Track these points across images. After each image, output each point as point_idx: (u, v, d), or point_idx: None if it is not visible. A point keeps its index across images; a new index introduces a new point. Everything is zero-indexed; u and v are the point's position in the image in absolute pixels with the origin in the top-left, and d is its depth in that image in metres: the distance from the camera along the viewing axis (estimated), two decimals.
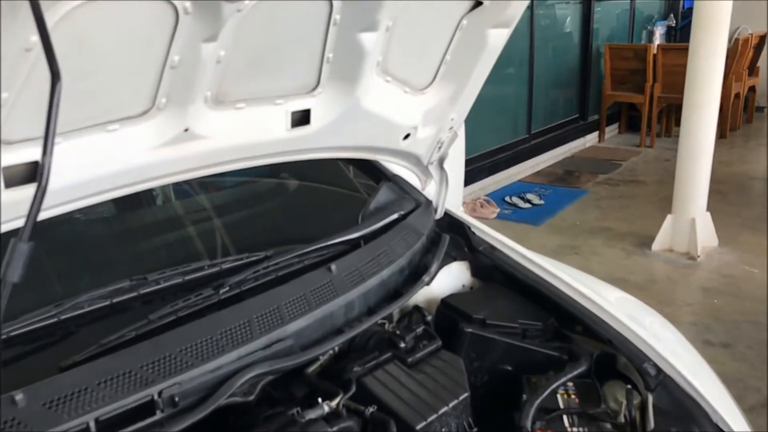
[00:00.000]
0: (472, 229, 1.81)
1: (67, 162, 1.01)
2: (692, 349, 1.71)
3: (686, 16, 8.58)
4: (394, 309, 1.47)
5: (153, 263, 1.54)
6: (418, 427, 1.16)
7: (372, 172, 1.87)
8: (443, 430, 1.20)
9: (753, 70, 7.88)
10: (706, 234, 4.36)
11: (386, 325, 1.46)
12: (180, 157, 1.18)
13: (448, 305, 1.56)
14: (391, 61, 1.41)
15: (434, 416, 1.18)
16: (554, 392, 1.34)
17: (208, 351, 1.15)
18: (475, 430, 1.25)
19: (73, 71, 0.93)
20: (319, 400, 1.17)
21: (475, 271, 1.76)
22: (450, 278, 1.71)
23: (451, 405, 1.22)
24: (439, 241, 1.71)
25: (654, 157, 6.93)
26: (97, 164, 1.06)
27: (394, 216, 1.70)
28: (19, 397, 0.95)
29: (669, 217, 4.42)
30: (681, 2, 8.87)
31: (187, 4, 0.96)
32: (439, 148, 1.76)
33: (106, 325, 1.20)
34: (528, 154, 6.54)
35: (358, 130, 1.52)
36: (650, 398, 1.34)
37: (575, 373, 1.38)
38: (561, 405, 1.31)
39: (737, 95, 7.49)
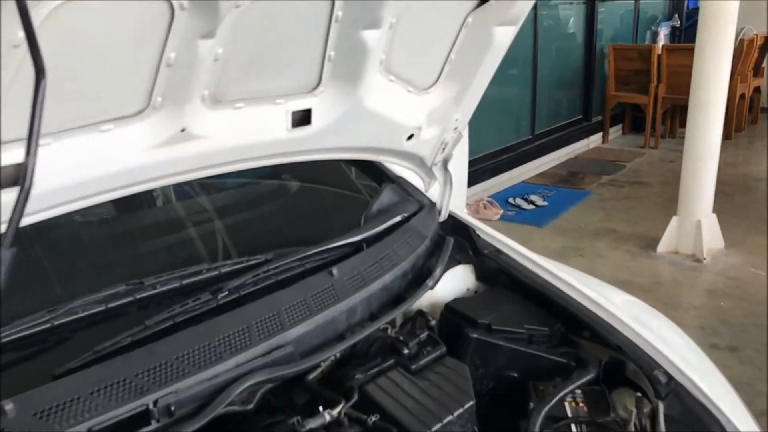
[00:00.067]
0: (477, 232, 1.78)
1: (58, 163, 0.98)
2: (701, 353, 1.69)
3: (691, 17, 8.56)
4: (398, 314, 1.44)
5: (150, 266, 1.52)
6: None
7: (374, 173, 1.84)
8: None
9: (758, 70, 7.85)
10: (711, 236, 4.33)
11: (389, 331, 1.43)
12: (177, 158, 1.14)
13: (452, 310, 1.53)
14: (394, 59, 1.38)
15: (439, 425, 1.15)
16: (562, 400, 1.31)
17: (206, 358, 1.12)
18: None
19: (64, 69, 0.90)
20: (320, 408, 1.14)
21: (480, 275, 1.73)
22: (454, 282, 1.68)
23: (456, 414, 1.19)
24: (443, 244, 1.68)
25: (658, 159, 6.91)
26: (91, 165, 1.03)
27: (397, 218, 1.67)
28: (9, 407, 0.93)
29: (674, 218, 4.39)
30: (685, 2, 8.84)
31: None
32: (443, 149, 1.73)
33: (101, 331, 1.17)
34: (531, 155, 6.52)
35: (360, 131, 1.49)
36: (661, 406, 1.32)
37: (583, 380, 1.35)
38: (569, 413, 1.28)
39: (742, 96, 7.46)
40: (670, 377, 1.33)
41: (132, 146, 1.07)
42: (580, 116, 7.55)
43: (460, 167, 1.96)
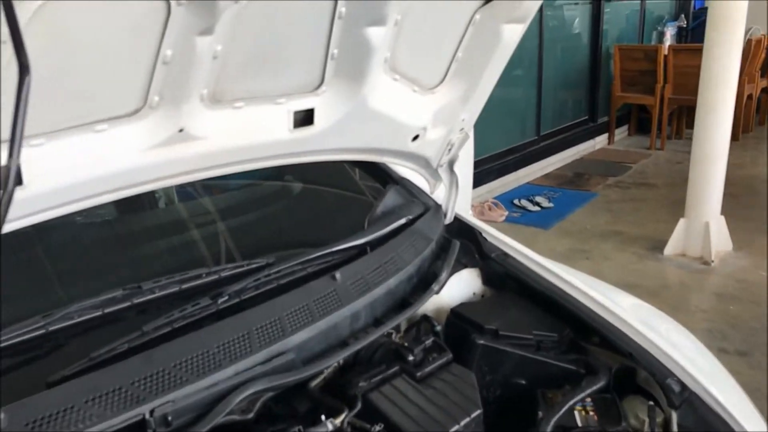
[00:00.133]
0: (484, 235, 1.76)
1: (52, 164, 0.95)
2: (713, 357, 1.66)
3: (697, 17, 8.52)
4: (402, 320, 1.41)
5: (149, 269, 1.49)
6: None
7: (379, 174, 1.81)
8: None
9: (765, 71, 7.78)
10: (720, 238, 4.29)
11: (393, 337, 1.41)
12: (174, 159, 1.11)
13: (458, 315, 1.50)
14: (399, 58, 1.34)
15: None
16: (571, 408, 1.28)
17: (205, 366, 1.10)
18: None
19: (56, 67, 0.87)
20: (323, 417, 1.11)
21: (487, 279, 1.70)
22: (460, 286, 1.65)
23: (462, 423, 1.16)
24: (449, 247, 1.65)
25: (665, 160, 6.86)
26: (85, 167, 1.00)
27: (402, 221, 1.64)
28: (1, 416, 0.90)
29: (682, 220, 4.36)
30: (692, 3, 8.78)
31: None
32: (449, 149, 1.70)
33: (97, 337, 1.15)
34: (537, 156, 6.48)
35: (364, 131, 1.46)
36: (674, 416, 1.28)
37: (594, 388, 1.32)
38: (579, 422, 1.25)
39: (750, 97, 7.40)
40: (683, 386, 1.29)
41: (128, 147, 1.03)
42: (586, 117, 7.52)
43: (465, 168, 1.93)
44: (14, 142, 0.59)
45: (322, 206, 1.98)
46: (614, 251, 4.55)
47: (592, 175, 6.41)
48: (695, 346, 1.68)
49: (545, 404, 1.30)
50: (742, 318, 3.58)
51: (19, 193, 0.91)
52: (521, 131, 6.43)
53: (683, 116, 7.44)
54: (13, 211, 0.92)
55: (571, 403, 1.27)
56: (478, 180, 5.25)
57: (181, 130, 1.09)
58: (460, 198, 1.82)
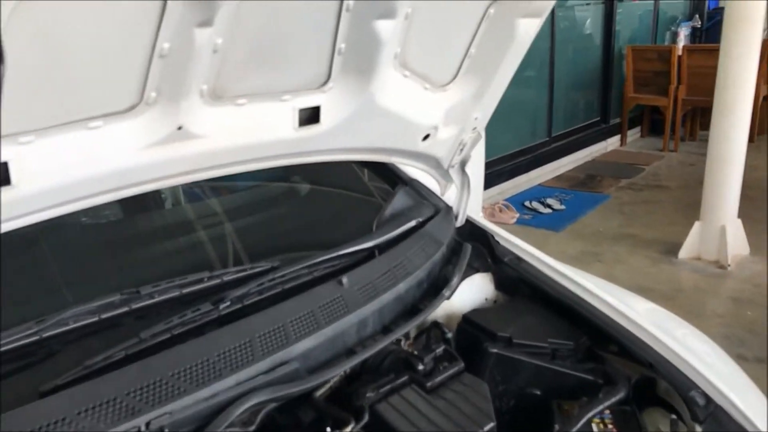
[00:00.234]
0: (496, 238, 1.71)
1: (42, 163, 0.91)
2: (734, 365, 1.62)
3: (712, 17, 8.46)
4: (412, 327, 1.37)
5: (149, 272, 1.44)
6: None
7: (387, 175, 1.77)
8: None
9: None
10: (737, 241, 4.23)
11: (402, 344, 1.37)
12: (173, 158, 1.06)
13: (470, 322, 1.46)
14: (410, 53, 1.30)
15: None
16: (589, 421, 1.23)
17: (204, 375, 1.06)
18: None
19: (45, 59, 0.82)
20: (329, 429, 1.08)
21: (500, 284, 1.66)
22: (472, 292, 1.62)
23: None
24: (460, 251, 1.61)
25: (678, 162, 6.80)
26: (78, 166, 0.95)
27: (412, 223, 1.60)
28: None
29: (697, 223, 4.30)
30: (706, 3, 8.70)
31: None
32: (461, 150, 1.65)
33: (93, 345, 1.11)
34: (548, 157, 6.44)
35: (372, 130, 1.41)
36: (698, 431, 1.21)
37: (612, 400, 1.27)
38: None
39: (765, 98, 7.30)
40: (708, 399, 1.24)
41: (124, 145, 0.99)
42: (598, 118, 7.47)
43: (476, 169, 1.88)
44: None
45: (329, 208, 1.94)
46: (627, 254, 4.50)
47: (605, 176, 6.36)
48: (715, 352, 1.64)
49: (561, 416, 1.27)
50: (760, 323, 3.50)
51: (6, 193, 0.87)
52: (532, 132, 6.40)
53: (697, 117, 7.38)
54: (1, 212, 0.88)
55: (588, 415, 1.23)
56: (489, 181, 5.22)
57: (179, 128, 1.04)
58: (470, 200, 1.77)
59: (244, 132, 1.15)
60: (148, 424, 0.96)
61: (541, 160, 6.32)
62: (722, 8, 7.93)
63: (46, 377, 1.02)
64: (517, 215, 5.23)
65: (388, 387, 1.18)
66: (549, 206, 5.44)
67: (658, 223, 5.04)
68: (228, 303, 1.22)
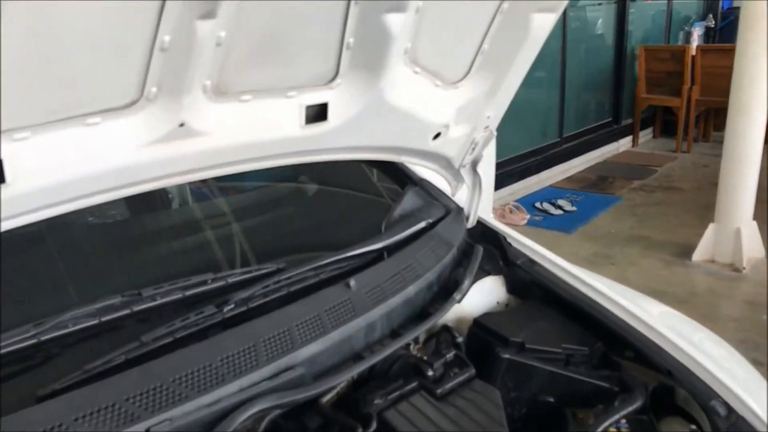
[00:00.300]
0: (508, 240, 1.68)
1: (39, 161, 0.88)
2: (753, 369, 1.59)
3: (726, 17, 8.40)
4: (422, 331, 1.33)
5: (151, 274, 1.42)
6: None
7: (396, 175, 1.75)
8: None
9: None
10: (752, 244, 4.17)
11: (411, 349, 1.34)
12: (175, 156, 1.03)
13: (481, 326, 1.43)
14: (420, 48, 1.26)
15: None
16: (605, 431, 1.20)
17: (207, 380, 1.03)
18: None
19: (41, 52, 0.79)
20: None
21: (512, 287, 1.63)
22: (483, 295, 1.58)
23: None
24: (471, 253, 1.58)
25: (691, 163, 6.74)
26: (76, 163, 0.92)
27: (422, 224, 1.57)
28: None
29: (711, 225, 4.25)
30: (719, 2, 8.62)
31: None
32: (473, 149, 1.62)
33: (93, 348, 1.09)
34: (559, 158, 6.41)
35: (381, 128, 1.38)
36: None
37: (629, 409, 1.25)
38: None
39: None
40: (729, 409, 1.20)
41: (124, 142, 0.95)
42: (610, 119, 7.43)
43: (487, 169, 1.85)
44: None
45: (337, 208, 1.92)
46: (640, 257, 4.45)
47: (616, 178, 6.32)
48: (732, 357, 1.61)
49: (576, 425, 1.25)
50: None
51: (1, 192, 0.84)
52: (543, 133, 6.36)
53: (710, 118, 7.32)
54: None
55: (604, 425, 1.20)
56: (499, 182, 5.19)
57: (181, 125, 1.01)
58: (482, 200, 1.73)
59: (248, 129, 1.12)
60: (147, 431, 0.93)
61: (552, 160, 6.29)
62: (736, 8, 7.87)
63: (44, 381, 1.00)
64: (528, 216, 5.19)
65: (396, 393, 1.16)
66: (560, 207, 5.40)
67: (671, 225, 4.99)
68: (232, 306, 1.20)
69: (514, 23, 1.33)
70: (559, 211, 5.35)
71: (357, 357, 1.22)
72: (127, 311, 1.15)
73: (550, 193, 5.80)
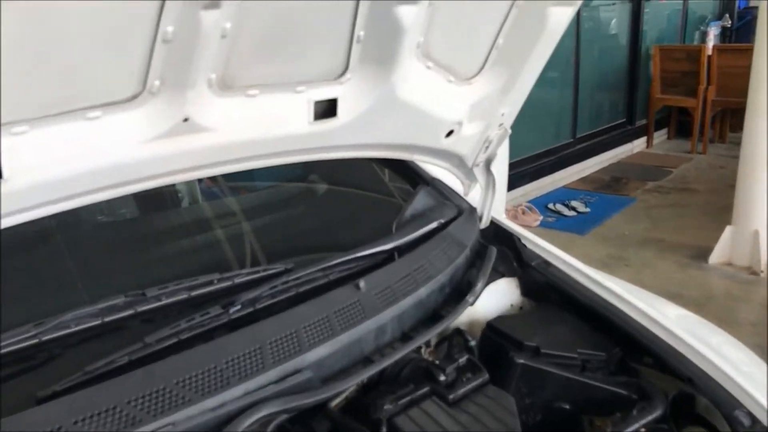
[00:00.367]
0: (523, 241, 1.65)
1: (37, 156, 0.85)
2: None
3: (742, 17, 8.31)
4: (434, 334, 1.31)
5: (157, 274, 1.40)
6: None
7: (408, 174, 1.73)
8: None
9: None
10: None
11: (422, 352, 1.32)
12: (178, 152, 1.00)
13: (494, 330, 1.39)
14: (433, 43, 1.23)
15: None
16: None
17: (211, 384, 1.01)
18: None
19: (39, 42, 0.76)
20: None
21: (526, 290, 1.59)
22: (497, 297, 1.56)
23: None
24: (484, 254, 1.55)
25: (707, 164, 6.67)
26: (76, 159, 0.89)
27: (434, 225, 1.55)
28: None
29: (728, 228, 4.20)
30: (736, 2, 8.54)
31: None
32: (487, 147, 1.59)
33: (95, 349, 1.07)
34: (572, 159, 6.37)
35: (392, 125, 1.35)
36: None
37: (649, 418, 1.21)
38: None
39: None
40: (754, 419, 1.16)
41: (125, 137, 0.93)
42: (624, 119, 7.38)
43: (500, 169, 1.81)
44: None
45: (347, 208, 1.89)
46: (655, 259, 4.40)
47: (630, 179, 6.26)
48: (752, 361, 1.57)
49: None
50: None
51: None
52: (556, 133, 6.32)
53: (727, 119, 7.25)
54: None
55: None
56: (512, 183, 5.17)
57: (186, 120, 0.98)
58: (495, 201, 1.70)
59: (255, 125, 1.09)
60: None
61: (565, 161, 6.25)
62: (753, 8, 7.79)
63: (44, 382, 0.98)
64: (541, 218, 5.16)
65: (407, 399, 1.13)
66: (573, 209, 5.37)
67: (686, 227, 4.93)
68: (239, 307, 1.18)
69: (530, 17, 1.29)
70: (573, 213, 5.31)
71: (366, 360, 1.20)
72: (130, 311, 1.13)
73: (563, 194, 5.76)
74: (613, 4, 6.84)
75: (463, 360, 1.22)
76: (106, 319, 1.11)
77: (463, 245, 1.52)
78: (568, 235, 4.87)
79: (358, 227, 1.75)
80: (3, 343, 1.01)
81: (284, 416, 1.03)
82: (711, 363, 1.25)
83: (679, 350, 1.30)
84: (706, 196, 5.63)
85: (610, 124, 7.10)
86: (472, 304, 1.41)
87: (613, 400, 1.27)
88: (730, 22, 8.28)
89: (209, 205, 1.75)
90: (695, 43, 7.98)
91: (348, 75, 1.16)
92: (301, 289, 1.27)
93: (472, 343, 1.34)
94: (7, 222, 0.87)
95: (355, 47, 1.11)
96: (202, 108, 0.99)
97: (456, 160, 1.60)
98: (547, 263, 1.57)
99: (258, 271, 1.29)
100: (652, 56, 7.17)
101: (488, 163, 1.66)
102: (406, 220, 1.56)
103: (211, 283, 1.22)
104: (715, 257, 4.22)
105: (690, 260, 4.31)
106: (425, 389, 1.16)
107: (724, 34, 8.24)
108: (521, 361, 1.30)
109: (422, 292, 1.33)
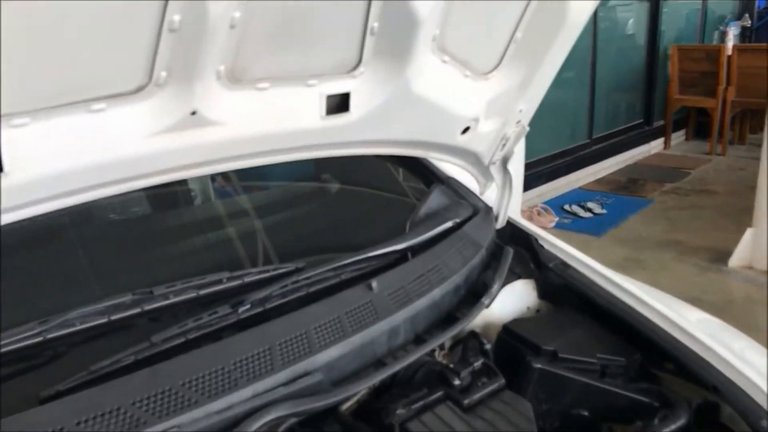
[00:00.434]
0: (540, 242, 1.62)
1: (38, 149, 0.82)
2: None
3: (762, 17, 8.23)
4: (448, 337, 1.28)
5: (166, 272, 1.38)
6: None
7: (422, 172, 1.71)
8: None
9: None
10: None
11: (436, 355, 1.29)
12: (186, 147, 0.97)
13: (511, 333, 1.37)
14: (449, 36, 1.19)
15: None
16: None
17: (218, 385, 0.99)
18: None
19: (41, 32, 0.73)
20: None
21: (544, 292, 1.56)
22: (513, 300, 1.53)
23: None
24: (500, 254, 1.53)
25: (726, 166, 6.59)
26: (79, 153, 0.86)
27: (448, 224, 1.53)
28: None
29: (749, 230, 4.13)
30: (755, 2, 8.43)
31: None
32: (504, 145, 1.56)
33: (100, 348, 1.05)
34: (589, 160, 6.32)
35: (407, 121, 1.32)
36: None
37: (672, 427, 1.17)
38: None
39: None
40: None
41: (131, 131, 0.90)
42: (641, 120, 7.31)
43: (517, 167, 1.78)
44: None
45: (359, 207, 1.87)
46: (673, 262, 4.34)
47: (648, 180, 6.20)
48: None
49: None
50: None
51: None
52: (572, 134, 6.28)
53: (746, 120, 7.18)
54: None
55: None
56: (528, 184, 5.12)
57: (193, 113, 0.95)
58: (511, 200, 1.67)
59: (265, 119, 1.06)
60: None
61: (581, 162, 6.21)
62: None
63: (47, 382, 0.96)
64: (556, 219, 5.11)
65: (420, 403, 1.11)
66: (589, 210, 5.32)
67: (705, 229, 4.86)
68: (248, 306, 1.15)
69: (549, 10, 1.26)
70: (588, 214, 5.26)
71: (379, 363, 1.18)
72: (137, 310, 1.11)
73: (579, 196, 5.72)
74: (631, 3, 6.78)
75: (478, 364, 1.20)
76: (112, 318, 1.09)
77: (479, 245, 1.50)
78: (584, 236, 4.81)
79: (371, 226, 1.73)
80: (6, 341, 0.99)
81: (293, 420, 1.00)
82: (736, 370, 1.21)
83: (702, 356, 1.25)
84: (725, 198, 5.56)
85: (627, 125, 7.04)
86: (487, 306, 1.39)
87: (633, 408, 1.24)
88: (749, 21, 8.18)
89: (221, 203, 1.73)
90: (714, 43, 7.90)
91: (361, 68, 1.13)
92: (312, 289, 1.25)
93: (488, 346, 1.32)
94: (11, 217, 0.85)
95: (369, 40, 1.08)
96: (210, 101, 0.96)
97: (472, 157, 1.57)
98: (566, 265, 1.54)
99: (268, 270, 1.26)
100: (670, 56, 7.10)
101: (505, 162, 1.63)
102: (420, 219, 1.54)
103: (220, 281, 1.20)
104: (735, 260, 4.14)
105: (709, 263, 4.24)
106: (439, 393, 1.14)
107: (744, 34, 8.14)
108: (538, 365, 1.27)
109: (436, 293, 1.31)
